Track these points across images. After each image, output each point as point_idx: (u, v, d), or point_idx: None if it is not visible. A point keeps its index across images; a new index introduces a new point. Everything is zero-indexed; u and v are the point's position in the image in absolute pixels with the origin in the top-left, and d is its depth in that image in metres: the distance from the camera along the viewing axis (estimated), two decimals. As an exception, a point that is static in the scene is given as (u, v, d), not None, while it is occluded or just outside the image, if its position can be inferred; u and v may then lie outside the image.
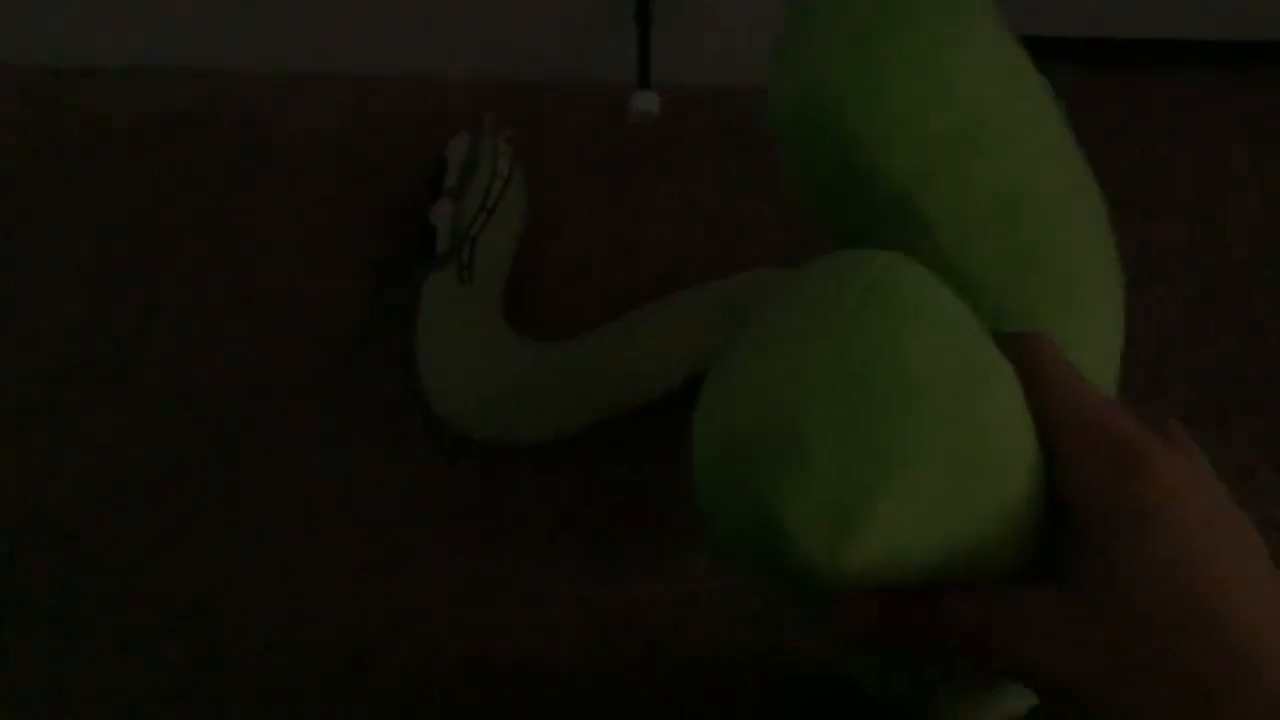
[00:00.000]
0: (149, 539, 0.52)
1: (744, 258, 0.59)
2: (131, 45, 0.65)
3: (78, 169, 0.63)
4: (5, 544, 0.52)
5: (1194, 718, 0.27)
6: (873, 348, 0.27)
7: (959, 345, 0.28)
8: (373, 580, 0.51)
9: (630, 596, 0.51)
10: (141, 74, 0.66)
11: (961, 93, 0.33)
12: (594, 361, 0.53)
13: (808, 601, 0.33)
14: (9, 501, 0.53)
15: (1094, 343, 0.37)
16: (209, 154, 0.63)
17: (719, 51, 0.64)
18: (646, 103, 0.57)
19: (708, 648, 0.50)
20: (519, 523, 0.53)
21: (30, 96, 0.66)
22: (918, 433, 0.27)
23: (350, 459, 0.54)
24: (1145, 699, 0.27)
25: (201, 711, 0.49)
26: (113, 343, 0.58)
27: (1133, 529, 0.28)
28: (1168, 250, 0.61)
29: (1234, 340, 0.58)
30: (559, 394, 0.52)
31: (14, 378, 0.57)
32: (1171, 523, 0.28)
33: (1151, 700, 0.27)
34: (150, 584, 0.51)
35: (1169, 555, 0.27)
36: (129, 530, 0.53)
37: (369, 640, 0.50)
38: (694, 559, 0.51)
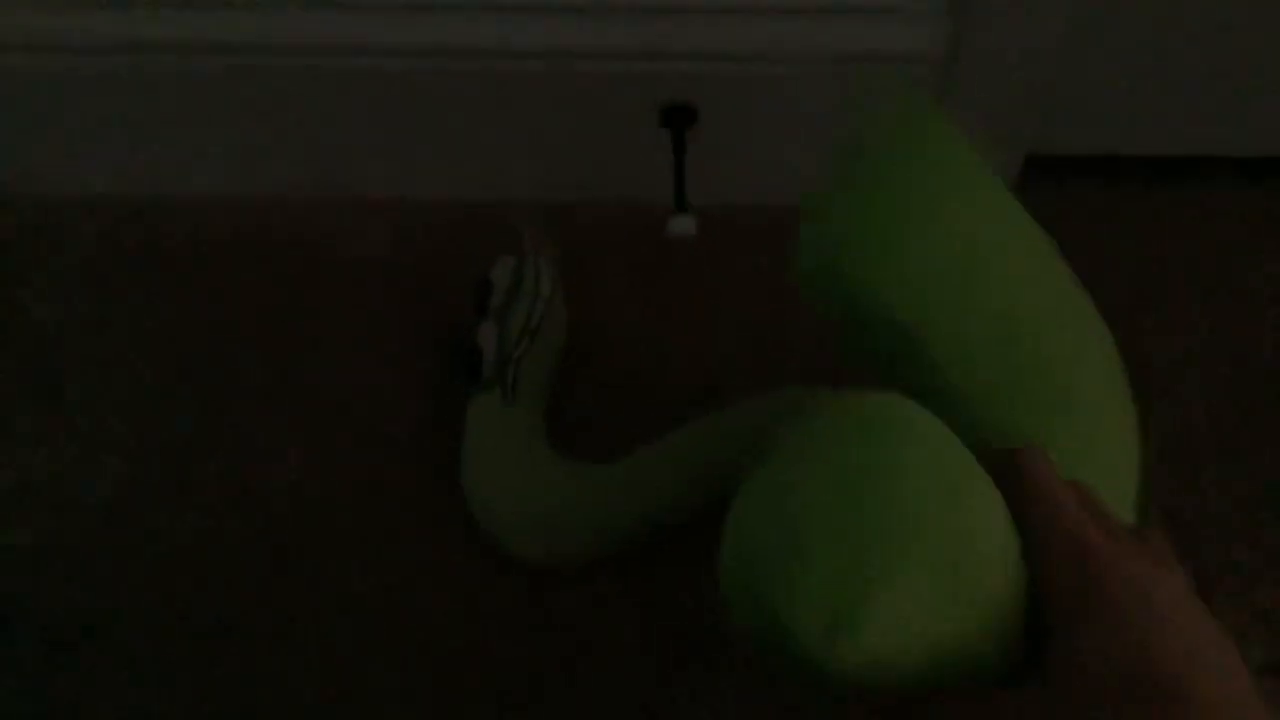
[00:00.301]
0: (197, 649, 0.54)
1: (779, 368, 0.61)
2: (192, 173, 0.68)
3: (141, 290, 0.66)
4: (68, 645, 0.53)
5: None
6: (865, 471, 0.31)
7: (942, 466, 0.32)
8: (417, 698, 0.52)
9: None
10: (201, 201, 0.68)
11: (958, 242, 0.38)
12: (634, 482, 0.54)
13: (822, 695, 0.36)
14: (74, 604, 0.55)
15: (1097, 452, 0.40)
16: (264, 276, 0.66)
17: (753, 170, 0.66)
18: (683, 226, 0.59)
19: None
20: (563, 645, 0.53)
21: (95, 222, 0.68)
22: (905, 542, 0.31)
23: (397, 574, 0.55)
24: None
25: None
26: (173, 455, 0.60)
27: (1097, 623, 0.31)
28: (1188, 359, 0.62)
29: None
30: (600, 518, 0.53)
31: (77, 486, 0.59)
32: (1132, 615, 0.30)
33: None
34: (193, 694, 0.53)
35: (1130, 645, 0.30)
36: (179, 636, 0.54)
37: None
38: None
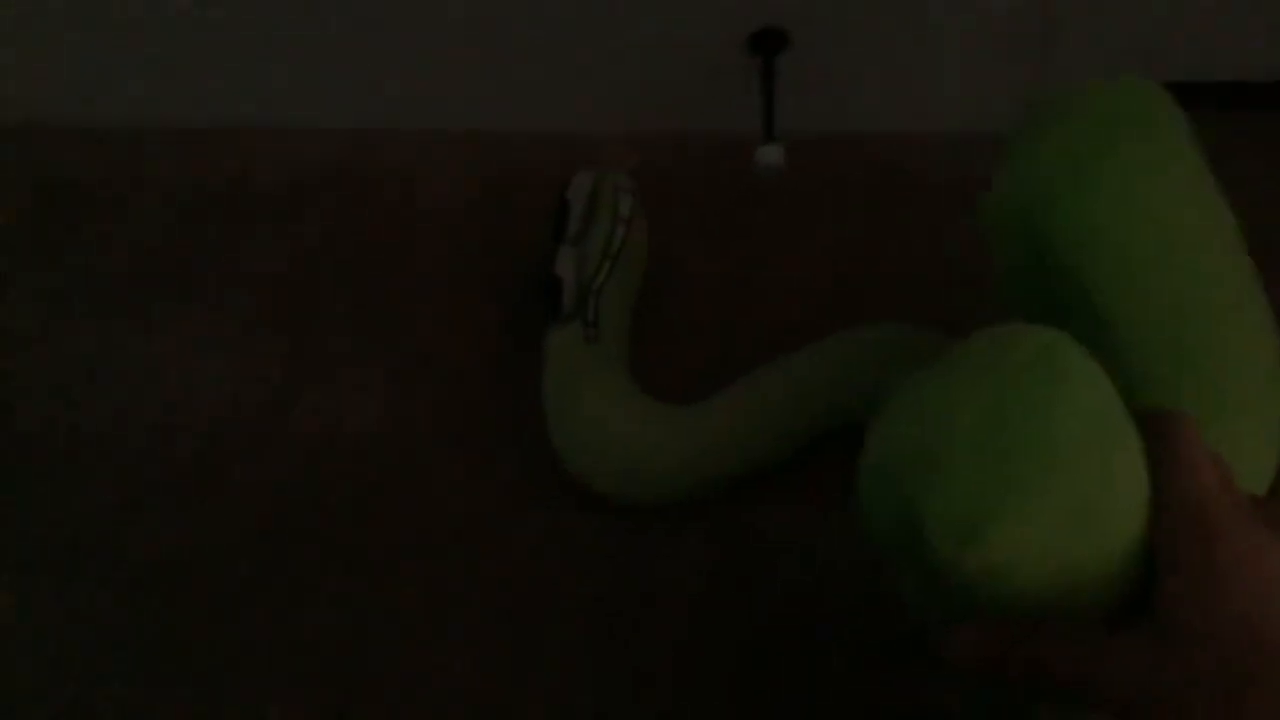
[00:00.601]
0: (287, 588, 0.53)
1: (867, 310, 0.58)
2: (277, 104, 0.68)
3: (223, 231, 0.65)
4: (161, 592, 0.54)
5: None
6: (1024, 402, 0.32)
7: (1101, 412, 0.33)
8: (495, 639, 0.52)
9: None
10: (287, 134, 0.67)
11: (1154, 214, 0.40)
12: (725, 424, 0.52)
13: (935, 606, 0.38)
14: (169, 554, 0.55)
15: (1244, 443, 0.41)
16: (352, 214, 0.65)
17: (845, 99, 0.64)
18: (772, 156, 0.57)
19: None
20: (649, 584, 0.53)
21: (177, 158, 0.67)
22: (1045, 469, 0.32)
23: (483, 511, 0.55)
24: None
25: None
26: (260, 400, 0.59)
27: (1208, 589, 0.32)
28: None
29: None
30: (691, 459, 0.51)
31: (158, 438, 0.58)
32: (1244, 585, 0.31)
33: None
34: (280, 632, 0.52)
35: (1242, 607, 0.31)
36: (267, 579, 0.54)
37: (486, 706, 0.50)
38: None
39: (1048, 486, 0.32)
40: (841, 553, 0.52)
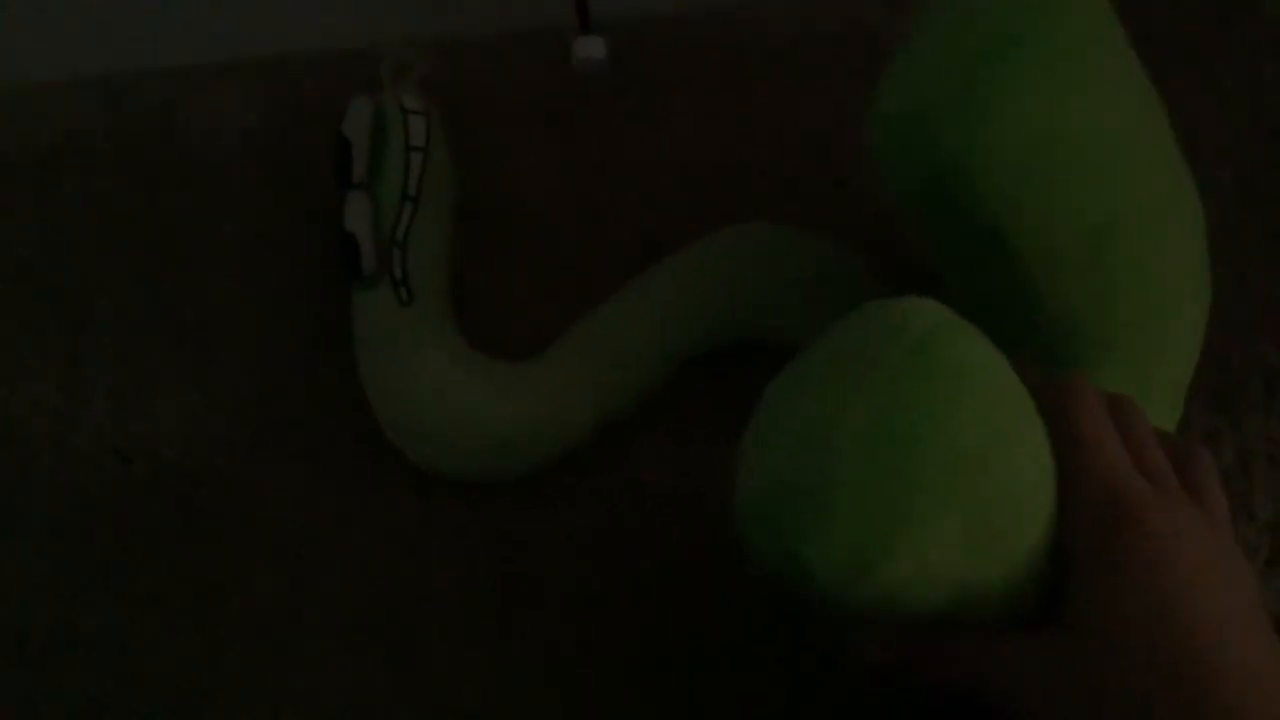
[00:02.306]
0: (103, 634, 0.45)
1: (735, 211, 0.51)
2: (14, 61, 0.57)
3: None
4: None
5: None
6: (908, 410, 0.28)
7: (989, 409, 0.29)
8: (371, 644, 0.45)
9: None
10: (37, 89, 0.56)
11: (1060, 127, 0.33)
12: (575, 373, 0.44)
13: (827, 621, 0.36)
14: None
15: (1174, 355, 0.39)
16: (117, 175, 0.54)
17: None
18: (590, 48, 0.48)
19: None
20: (508, 563, 0.46)
21: None
22: (938, 493, 0.29)
23: (314, 512, 0.47)
24: None
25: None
26: (36, 406, 0.49)
27: (1119, 579, 0.29)
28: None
29: None
30: (540, 420, 0.44)
31: None
32: (1158, 573, 0.29)
33: None
34: (107, 684, 0.44)
35: (1154, 604, 0.29)
36: (77, 627, 0.45)
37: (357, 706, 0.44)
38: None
39: (942, 509, 0.28)
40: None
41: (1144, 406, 0.36)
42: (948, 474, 0.28)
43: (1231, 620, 0.29)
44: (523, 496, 0.46)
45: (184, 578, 0.46)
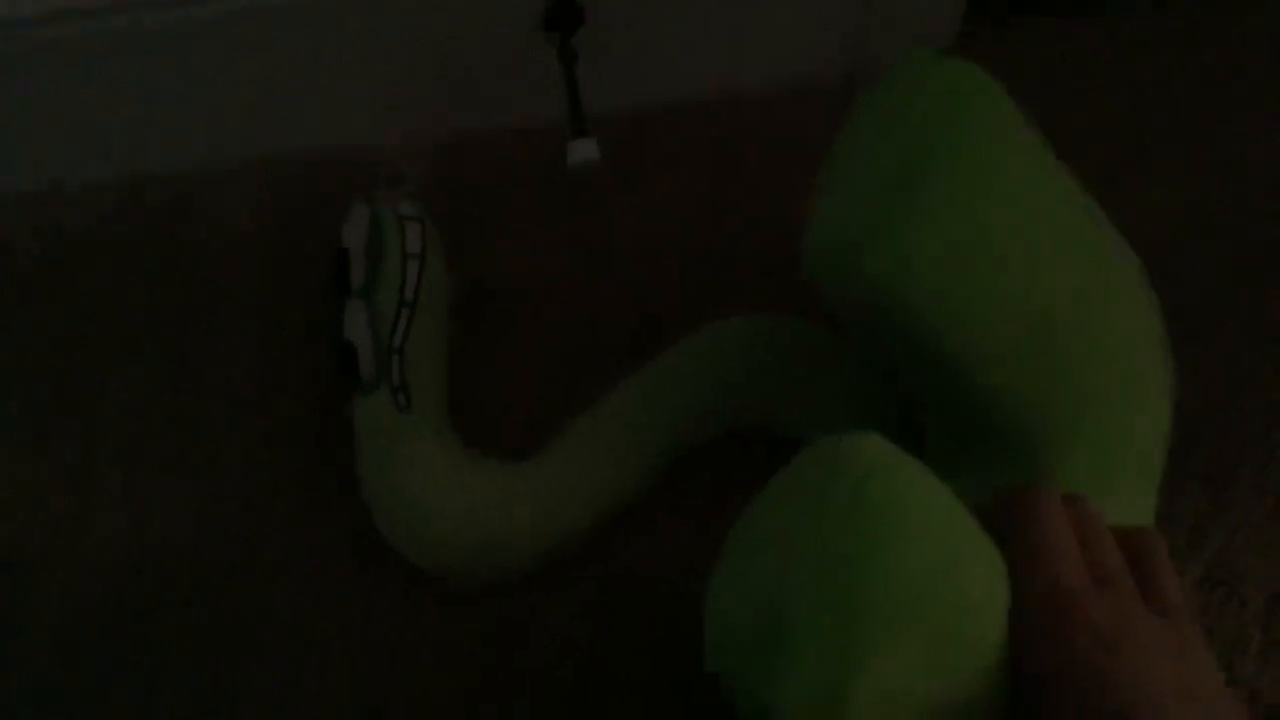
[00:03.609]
0: None
1: (723, 292, 0.52)
2: (33, 163, 0.59)
3: None
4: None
5: None
6: (854, 552, 0.29)
7: (934, 540, 0.30)
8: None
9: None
10: (41, 197, 0.57)
11: (979, 237, 0.35)
12: (574, 473, 0.45)
13: None
14: None
15: (1139, 434, 0.39)
16: (128, 276, 0.55)
17: (657, 69, 0.56)
18: (584, 151, 0.49)
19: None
20: (508, 667, 0.46)
21: None
22: (891, 624, 0.29)
23: (319, 614, 0.47)
24: None
25: None
26: (38, 521, 0.50)
27: (1065, 678, 0.30)
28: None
29: None
30: (541, 522, 0.45)
31: None
32: (1110, 679, 0.30)
33: None
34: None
35: (1098, 699, 0.29)
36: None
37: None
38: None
39: (898, 640, 0.29)
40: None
41: (1112, 490, 0.37)
42: (900, 604, 0.29)
43: (1179, 705, 0.30)
44: (517, 590, 0.47)
45: (195, 692, 0.47)
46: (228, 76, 0.53)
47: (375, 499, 0.46)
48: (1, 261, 0.57)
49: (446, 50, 0.53)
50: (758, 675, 0.30)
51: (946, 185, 0.34)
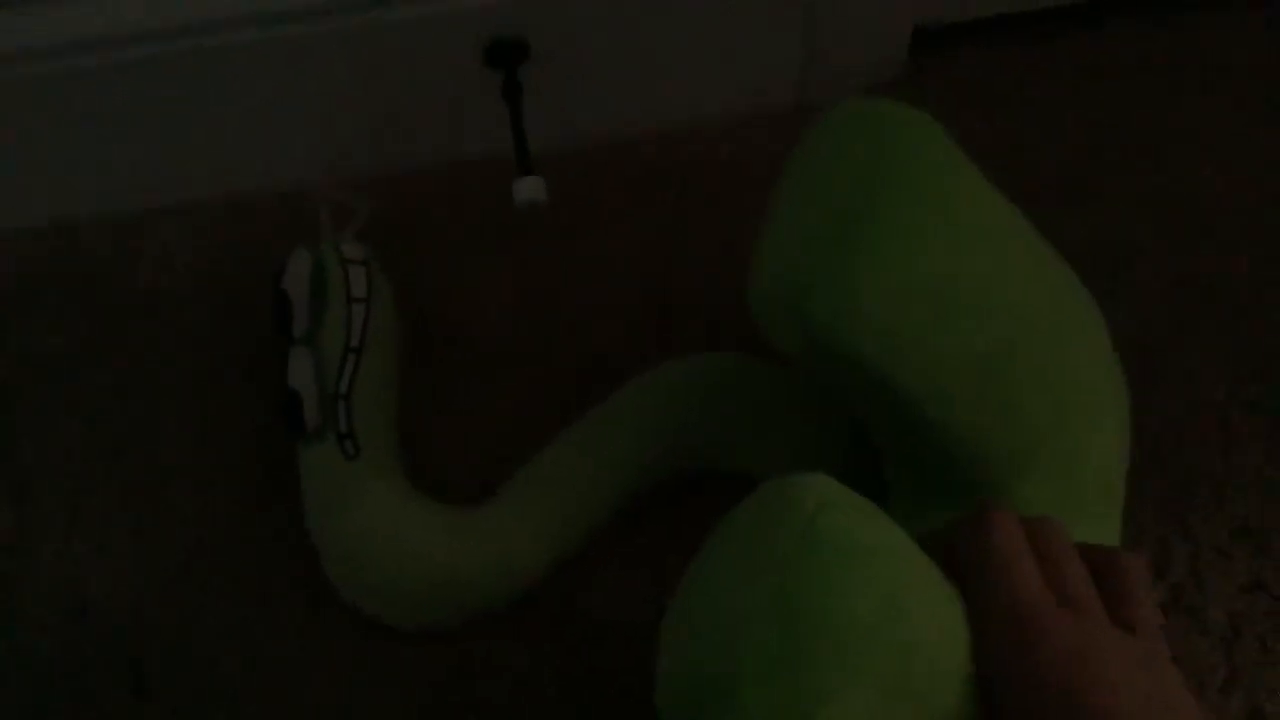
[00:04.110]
0: None
1: (673, 326, 0.52)
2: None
3: None
4: None
5: None
6: (802, 592, 0.29)
7: (882, 577, 0.30)
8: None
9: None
10: None
11: (923, 277, 0.34)
12: (526, 516, 0.44)
13: None
14: None
15: (1099, 463, 0.39)
16: (52, 324, 0.54)
17: (605, 102, 0.56)
18: (531, 191, 0.48)
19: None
20: (470, 708, 0.45)
21: None
22: (842, 668, 0.29)
23: (269, 654, 0.46)
24: None
25: None
26: None
27: (1030, 696, 0.30)
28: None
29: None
30: (493, 565, 0.44)
31: None
32: (1065, 684, 0.29)
33: None
34: None
35: (1065, 713, 0.29)
36: None
37: None
38: None
39: (851, 683, 0.28)
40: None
41: (1075, 516, 0.36)
42: (850, 648, 0.29)
43: (1143, 714, 0.29)
44: (473, 633, 0.46)
45: None
46: (164, 116, 0.52)
47: (324, 547, 0.44)
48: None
49: (390, 87, 0.52)
50: None
51: (889, 227, 0.34)
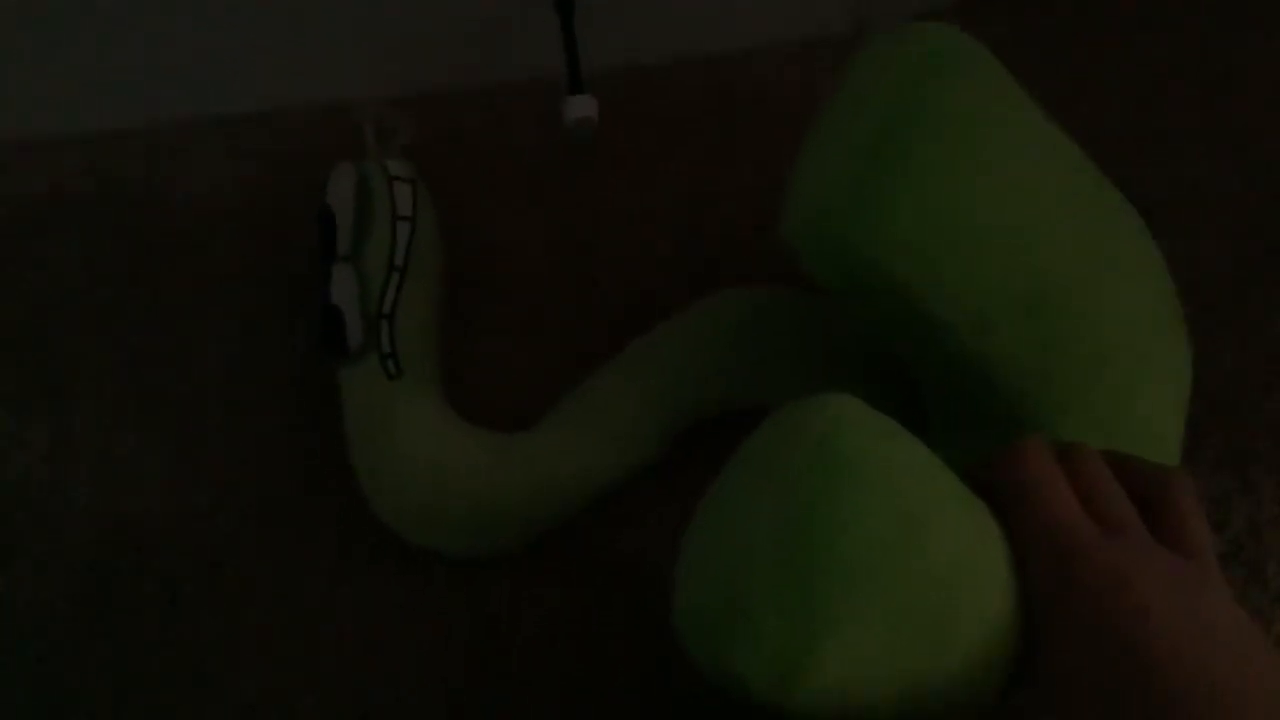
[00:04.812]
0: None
1: (721, 262, 0.50)
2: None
3: None
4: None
5: None
6: (813, 510, 0.28)
7: (898, 494, 0.29)
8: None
9: None
10: (10, 147, 0.54)
11: (964, 206, 0.33)
12: (570, 445, 0.43)
13: None
14: None
15: (1147, 403, 0.37)
16: (100, 238, 0.52)
17: (661, 22, 0.54)
18: (581, 109, 0.47)
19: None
20: (501, 645, 0.44)
21: None
22: (853, 590, 0.28)
23: (308, 587, 0.45)
24: None
25: None
26: (17, 491, 0.47)
27: (1071, 623, 0.29)
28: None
29: None
30: (535, 495, 0.43)
31: None
32: (1108, 610, 0.29)
33: None
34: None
35: (1109, 643, 0.28)
36: (66, 709, 0.44)
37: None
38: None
39: (863, 605, 0.28)
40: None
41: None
42: (862, 568, 0.28)
43: (1193, 641, 0.28)
44: (512, 573, 0.45)
45: (173, 670, 0.44)
46: (208, 23, 0.50)
47: (364, 467, 0.44)
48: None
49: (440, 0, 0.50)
50: (722, 642, 0.29)
51: (927, 151, 0.33)
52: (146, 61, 0.52)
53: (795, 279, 0.46)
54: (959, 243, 0.33)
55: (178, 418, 0.48)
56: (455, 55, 0.53)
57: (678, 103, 0.54)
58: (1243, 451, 0.46)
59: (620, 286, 0.50)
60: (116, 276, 0.52)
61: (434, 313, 0.46)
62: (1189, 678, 0.28)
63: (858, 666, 0.28)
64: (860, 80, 0.35)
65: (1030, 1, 0.56)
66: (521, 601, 0.45)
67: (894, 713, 0.30)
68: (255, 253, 0.51)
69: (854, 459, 0.28)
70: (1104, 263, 0.36)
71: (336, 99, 0.53)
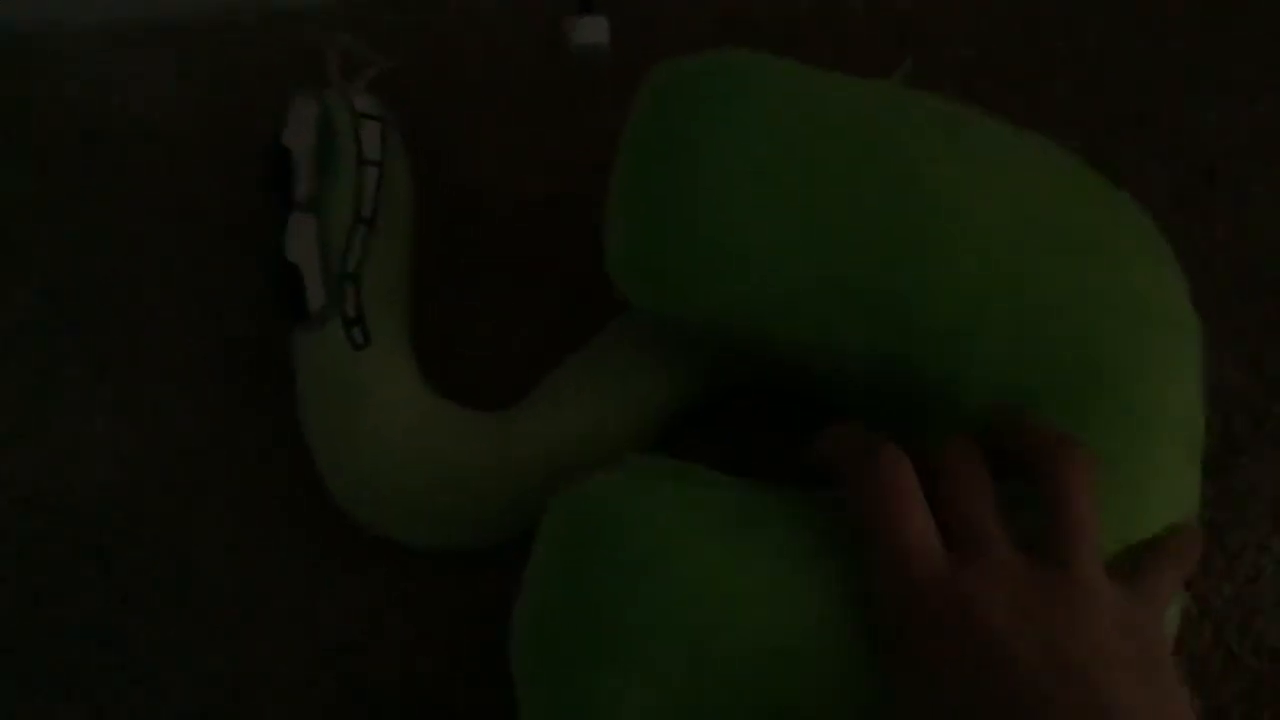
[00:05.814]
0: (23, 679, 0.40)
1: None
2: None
3: None
4: None
5: None
6: (594, 598, 0.30)
7: (675, 573, 0.30)
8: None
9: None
10: None
11: (745, 221, 0.33)
12: (563, 425, 0.38)
13: None
14: None
15: (1161, 403, 0.33)
16: (6, 167, 0.46)
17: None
18: (591, 33, 0.41)
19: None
20: (483, 639, 0.40)
21: None
22: (623, 671, 0.30)
23: (266, 570, 0.41)
24: None
25: None
26: None
27: (916, 665, 0.28)
28: None
29: None
30: (525, 478, 0.38)
31: None
32: (948, 654, 0.28)
33: None
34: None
35: (952, 692, 0.28)
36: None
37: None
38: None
39: (633, 683, 0.29)
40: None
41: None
42: (626, 647, 0.30)
43: (1049, 668, 0.27)
44: (485, 561, 0.40)
45: (112, 659, 0.40)
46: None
47: (325, 453, 0.38)
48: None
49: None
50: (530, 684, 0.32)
51: (715, 197, 0.32)
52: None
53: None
54: (761, 270, 0.33)
55: (115, 373, 0.43)
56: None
57: (693, 30, 0.48)
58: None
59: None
60: (35, 211, 0.46)
61: (405, 272, 0.40)
62: (1041, 707, 0.27)
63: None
64: (640, 124, 0.35)
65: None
66: (502, 596, 0.40)
67: None
68: (202, 187, 0.45)
69: (621, 550, 0.30)
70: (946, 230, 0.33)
71: (295, 14, 0.46)
